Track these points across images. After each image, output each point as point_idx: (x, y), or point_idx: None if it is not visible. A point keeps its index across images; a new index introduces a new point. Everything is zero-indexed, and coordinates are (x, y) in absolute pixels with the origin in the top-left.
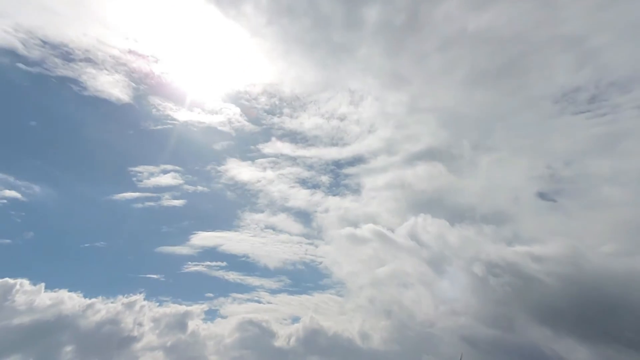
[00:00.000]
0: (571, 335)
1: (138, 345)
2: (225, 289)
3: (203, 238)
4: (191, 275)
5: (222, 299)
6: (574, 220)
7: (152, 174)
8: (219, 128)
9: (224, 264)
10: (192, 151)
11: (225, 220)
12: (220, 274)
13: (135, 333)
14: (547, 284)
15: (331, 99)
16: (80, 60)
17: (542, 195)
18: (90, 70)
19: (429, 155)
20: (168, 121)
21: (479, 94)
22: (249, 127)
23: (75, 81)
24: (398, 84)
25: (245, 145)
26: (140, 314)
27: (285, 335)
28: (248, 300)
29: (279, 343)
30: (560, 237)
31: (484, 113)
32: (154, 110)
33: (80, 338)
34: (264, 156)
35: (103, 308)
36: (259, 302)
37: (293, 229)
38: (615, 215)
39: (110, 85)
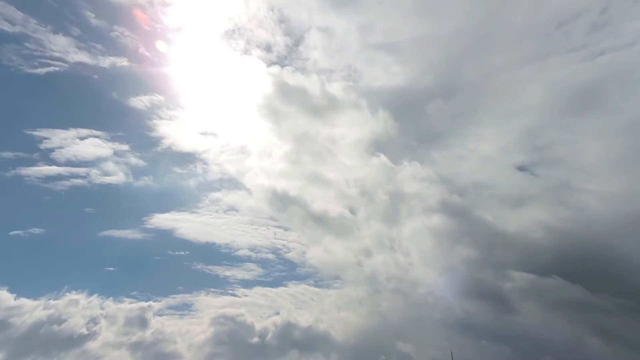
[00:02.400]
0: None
1: (93, 345)
2: (193, 281)
3: (155, 222)
4: (150, 266)
5: (193, 293)
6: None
7: (64, 141)
8: (129, 72)
9: (186, 253)
10: (106, 109)
11: (177, 200)
12: (184, 264)
13: (86, 331)
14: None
15: (259, 26)
16: None
17: (520, 168)
18: None
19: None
20: (48, 60)
21: (445, 24)
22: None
23: None
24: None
25: (172, 98)
26: (89, 310)
27: (262, 329)
28: (222, 293)
29: (256, 338)
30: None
31: (451, 53)
32: (7, 28)
33: (12, 342)
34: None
35: (38, 306)
36: (234, 295)
37: (257, 209)
38: (598, 186)
39: None
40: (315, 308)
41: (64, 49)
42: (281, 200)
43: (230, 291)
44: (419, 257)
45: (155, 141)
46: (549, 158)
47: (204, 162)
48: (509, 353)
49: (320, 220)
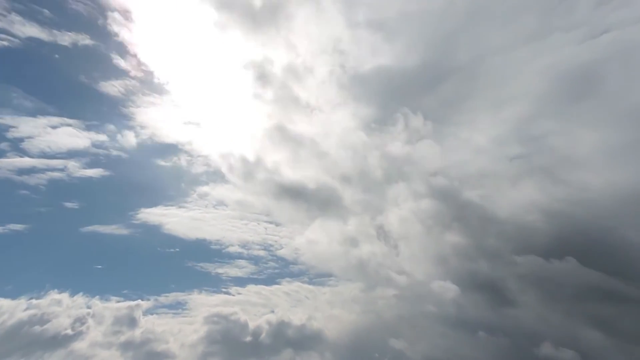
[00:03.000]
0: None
1: (80, 345)
2: (185, 279)
3: (142, 217)
4: (139, 263)
5: (185, 291)
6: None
7: (34, 130)
8: (94, 52)
9: (176, 250)
10: (75, 94)
11: (164, 194)
12: (175, 261)
13: (71, 332)
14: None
15: None
16: None
17: (514, 158)
18: None
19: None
20: None
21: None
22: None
23: None
24: None
25: (147, 83)
26: (74, 309)
27: (256, 328)
28: (215, 292)
29: (250, 337)
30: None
31: (442, 30)
32: None
33: None
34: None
35: (18, 306)
36: (228, 293)
37: (246, 204)
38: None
39: None
40: (310, 306)
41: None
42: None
43: (223, 289)
44: (408, 247)
45: (136, 130)
46: (544, 149)
47: (188, 154)
48: (507, 345)
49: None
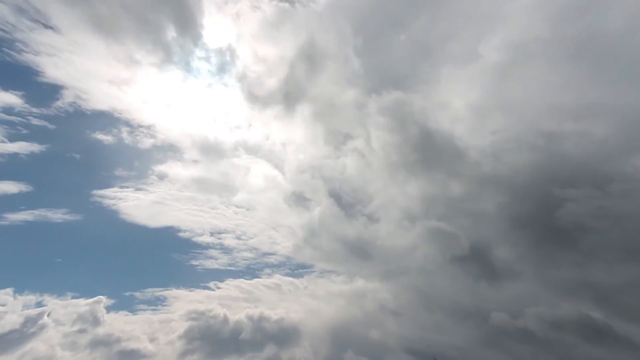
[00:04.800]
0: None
1: (35, 347)
2: (160, 273)
3: (95, 201)
4: (102, 255)
5: (163, 287)
6: None
7: None
8: None
9: (143, 240)
10: None
11: (116, 175)
12: (145, 252)
13: (18, 335)
14: None
15: None
16: None
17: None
18: None
19: None
20: None
21: None
22: None
23: None
24: None
25: (35, 8)
26: (25, 309)
27: (238, 324)
28: (193, 286)
29: (232, 333)
30: None
31: None
32: None
33: None
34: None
35: None
36: (207, 288)
37: (208, 182)
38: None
39: None
40: (292, 299)
41: None
42: None
43: (202, 284)
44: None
45: (52, 92)
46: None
47: (127, 124)
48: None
49: None
